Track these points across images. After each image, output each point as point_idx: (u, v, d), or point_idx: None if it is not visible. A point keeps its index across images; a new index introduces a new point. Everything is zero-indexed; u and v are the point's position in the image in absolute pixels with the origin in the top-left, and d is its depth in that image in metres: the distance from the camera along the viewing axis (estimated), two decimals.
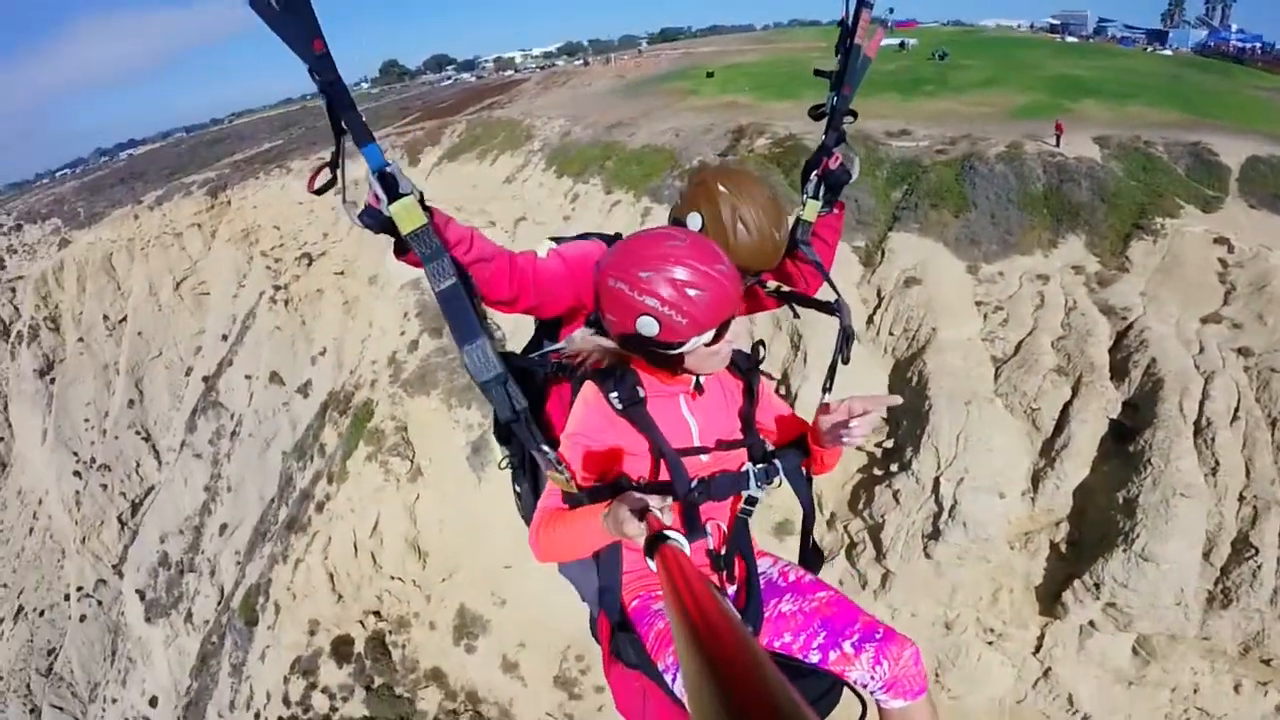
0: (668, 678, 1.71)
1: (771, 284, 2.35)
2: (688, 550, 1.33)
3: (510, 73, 73.22)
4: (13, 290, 53.65)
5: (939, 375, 15.55)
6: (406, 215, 1.52)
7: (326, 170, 1.54)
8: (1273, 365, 12.55)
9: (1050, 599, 13.54)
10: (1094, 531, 13.04)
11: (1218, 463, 12.29)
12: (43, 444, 40.68)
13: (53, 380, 42.52)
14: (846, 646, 1.72)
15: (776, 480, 1.96)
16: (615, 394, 1.75)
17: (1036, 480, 13.82)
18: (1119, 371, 13.93)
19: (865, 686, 1.70)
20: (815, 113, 2.34)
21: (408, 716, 17.80)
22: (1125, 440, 13.34)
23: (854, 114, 2.30)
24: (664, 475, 1.80)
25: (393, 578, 18.92)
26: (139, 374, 38.44)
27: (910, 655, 1.69)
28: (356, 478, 19.66)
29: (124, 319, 41.16)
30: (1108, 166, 18.01)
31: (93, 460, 37.91)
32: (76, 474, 38.10)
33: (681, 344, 1.63)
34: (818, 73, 2.28)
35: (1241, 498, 12.28)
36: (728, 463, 1.91)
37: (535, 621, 16.86)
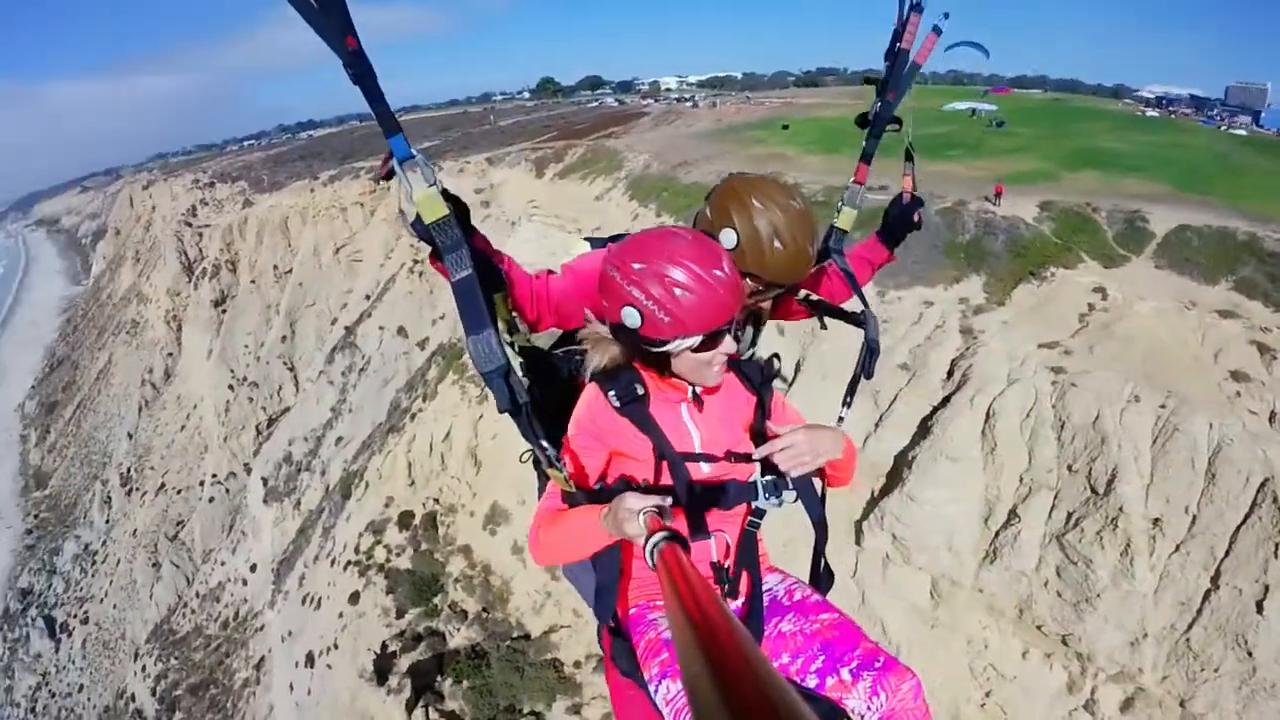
0: (651, 687, 1.83)
1: (802, 292, 2.51)
2: (689, 550, 1.43)
3: (648, 102, 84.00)
4: (200, 235, 70.57)
5: (815, 359, 22.14)
6: (429, 205, 1.68)
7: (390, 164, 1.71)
8: (1074, 382, 18.61)
9: (859, 532, 20.30)
10: (894, 482, 19.76)
11: (996, 444, 18.59)
12: (207, 359, 54.78)
13: (224, 311, 57.01)
14: (844, 673, 1.77)
15: (790, 496, 2.05)
16: (613, 392, 1.90)
17: (867, 442, 20.59)
18: (949, 373, 20.40)
19: (862, 717, 1.73)
20: (860, 120, 2.46)
21: (439, 573, 26.81)
22: (929, 419, 20.01)
23: (899, 121, 2.42)
24: (665, 479, 1.93)
25: (453, 476, 28.29)
26: (294, 316, 51.42)
27: (910, 688, 1.72)
28: (442, 397, 29.49)
29: (290, 271, 54.79)
30: (1035, 225, 23.85)
31: (245, 378, 51.10)
32: (230, 387, 51.42)
33: (664, 342, 1.76)
34: (867, 80, 2.41)
35: (1020, 479, 18.57)
36: (735, 474, 2.02)
37: None
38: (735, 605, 2.07)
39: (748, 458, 2.00)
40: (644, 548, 1.45)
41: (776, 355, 2.25)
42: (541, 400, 2.03)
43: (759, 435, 2.05)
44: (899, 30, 2.28)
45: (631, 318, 1.73)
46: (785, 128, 44.63)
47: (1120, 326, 19.80)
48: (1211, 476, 16.86)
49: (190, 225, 72.00)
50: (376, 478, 30.15)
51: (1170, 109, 59.21)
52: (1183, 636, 16.76)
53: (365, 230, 51.86)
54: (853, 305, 2.57)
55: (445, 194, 1.72)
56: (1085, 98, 74.74)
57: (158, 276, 70.04)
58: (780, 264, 2.13)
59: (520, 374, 1.90)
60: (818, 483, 2.14)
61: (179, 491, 50.43)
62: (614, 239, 2.26)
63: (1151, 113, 55.98)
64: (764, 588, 2.11)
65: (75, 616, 51.03)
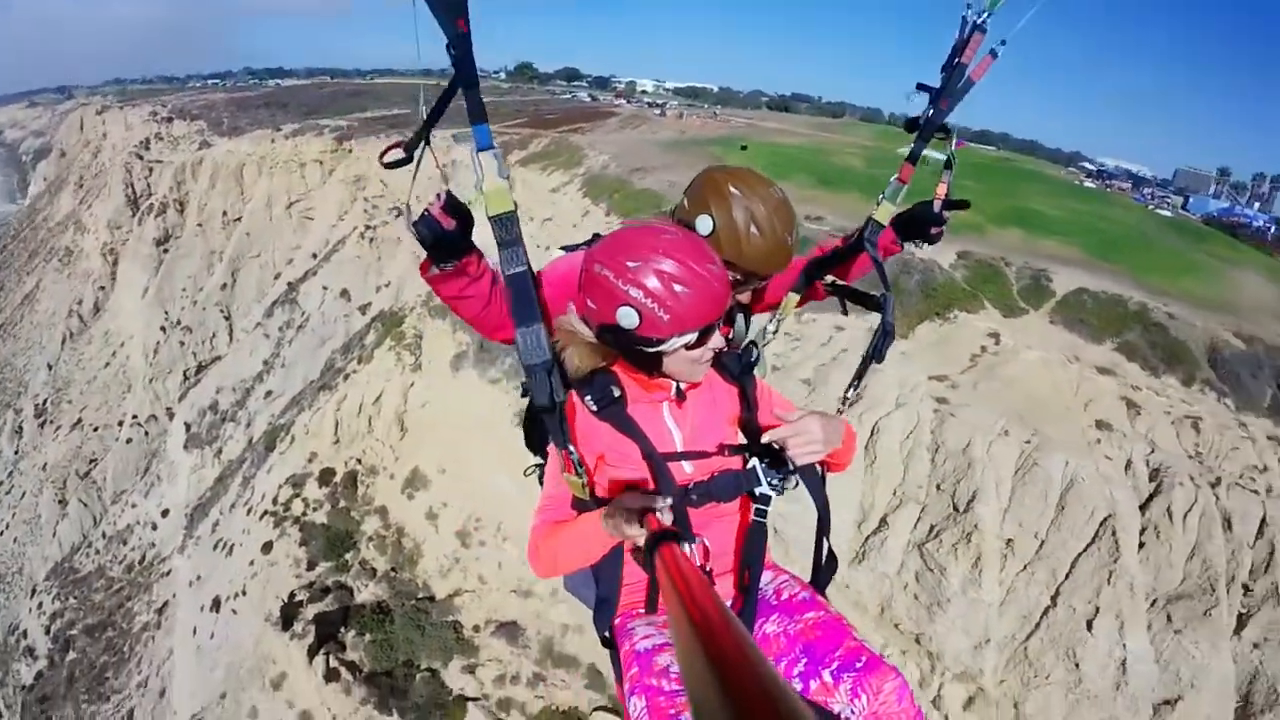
0: (627, 702, 1.80)
1: (829, 278, 2.65)
2: (689, 550, 1.45)
3: (620, 102, 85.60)
4: (150, 169, 69.41)
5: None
6: (497, 198, 1.74)
7: (397, 151, 1.79)
8: (953, 412, 20.71)
9: None
10: None
11: (876, 458, 20.64)
12: (142, 298, 54.14)
13: (165, 250, 56.44)
14: (826, 675, 1.72)
15: (792, 479, 2.03)
16: (589, 396, 1.90)
17: None
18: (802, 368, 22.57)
19: None
20: (910, 124, 2.55)
21: (353, 531, 27.76)
22: None
23: (947, 130, 2.51)
24: (650, 482, 1.92)
25: (377, 439, 29.25)
26: (237, 265, 51.31)
27: (893, 689, 1.67)
28: (377, 361, 30.41)
29: (239, 219, 54.61)
30: (950, 271, 26.04)
31: (179, 322, 50.78)
32: (162, 329, 51.02)
33: (661, 341, 1.74)
34: (920, 87, 2.47)
35: (894, 492, 20.62)
36: (728, 468, 2.02)
37: (462, 489, 26.65)
38: (729, 604, 2.00)
39: (739, 449, 2.02)
40: (644, 549, 1.47)
41: (754, 343, 2.32)
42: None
43: (746, 426, 2.08)
44: (960, 46, 2.36)
45: (629, 318, 1.71)
46: (744, 148, 45.30)
47: (1004, 369, 22.08)
48: (1061, 508, 19.20)
49: (141, 159, 70.62)
50: (303, 433, 30.91)
51: (1108, 183, 63.49)
52: (1021, 645, 18.99)
53: (321, 189, 52.05)
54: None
55: (450, 195, 1.80)
56: (1038, 161, 79.19)
57: (100, 206, 68.48)
58: (757, 254, 2.18)
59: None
60: (819, 466, 2.13)
61: (95, 429, 49.80)
62: (587, 244, 2.30)
63: (1089, 184, 60.16)
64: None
65: None
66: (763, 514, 2.04)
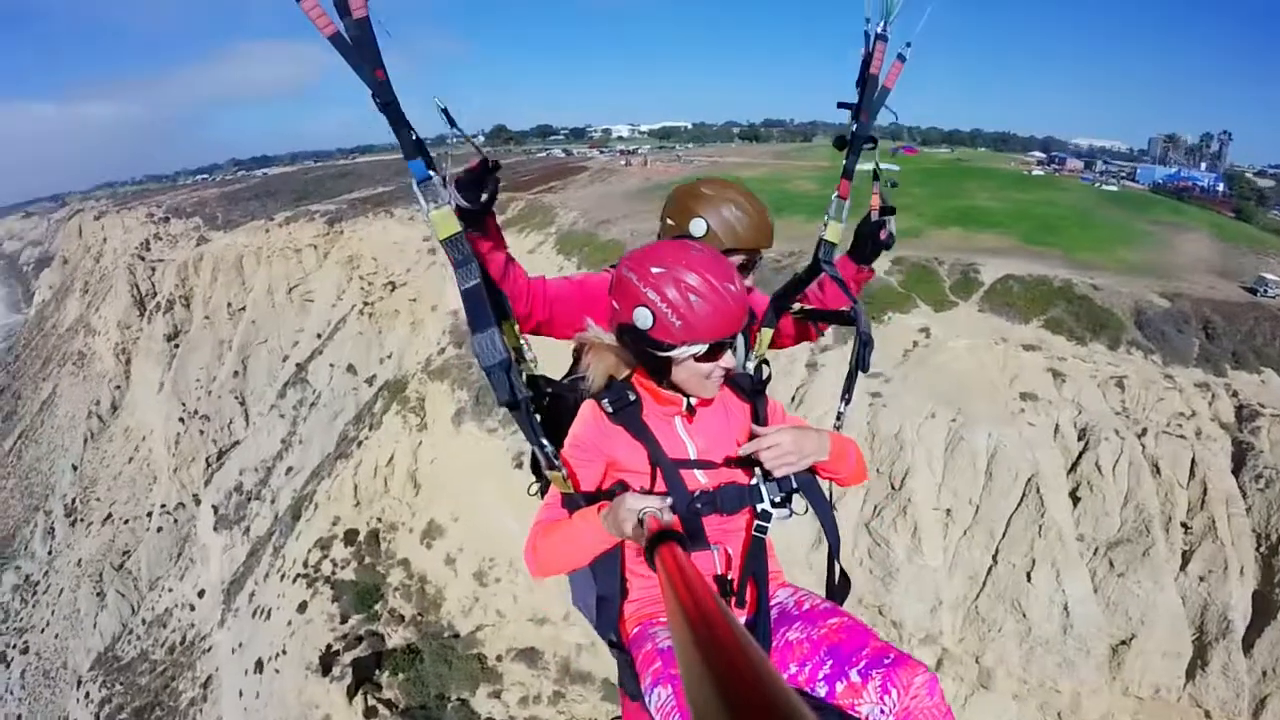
0: (646, 698, 1.85)
1: (796, 306, 2.74)
2: (688, 550, 1.47)
3: (593, 153, 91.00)
4: (153, 269, 73.95)
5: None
6: (443, 223, 1.87)
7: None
8: (885, 403, 23.52)
9: None
10: None
11: None
12: (158, 393, 58.05)
13: (177, 345, 60.47)
14: (853, 675, 1.75)
15: (799, 500, 2.13)
16: (606, 400, 2.01)
17: None
18: (793, 398, 25.05)
19: None
20: (839, 142, 2.63)
21: (379, 583, 31.01)
22: None
23: (874, 140, 2.60)
24: (661, 487, 1.99)
25: (394, 497, 32.66)
26: (246, 353, 55.24)
27: (924, 683, 1.70)
28: (385, 427, 33.98)
29: (243, 308, 58.69)
30: (886, 277, 28.69)
31: (196, 411, 54.55)
32: (181, 420, 54.77)
33: (671, 347, 1.84)
34: (840, 105, 2.57)
35: None
36: (735, 481, 2.08)
37: (474, 534, 29.93)
38: (743, 620, 2.05)
39: (745, 463, 2.07)
40: (644, 549, 1.54)
41: (765, 362, 2.45)
42: (547, 427, 2.07)
43: (751, 440, 2.10)
44: (867, 58, 2.44)
45: (644, 318, 1.82)
46: None
47: (933, 359, 25.39)
48: (989, 475, 22.45)
49: (144, 259, 75.31)
50: (325, 499, 34.36)
51: (1057, 168, 67.21)
52: (973, 604, 22.08)
53: (318, 271, 56.20)
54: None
55: (460, 208, 1.92)
56: (992, 154, 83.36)
57: (107, 309, 72.82)
58: (749, 230, 2.56)
59: (523, 376, 2.01)
60: (824, 484, 2.20)
61: (126, 522, 53.31)
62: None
63: (1038, 171, 63.57)
64: (774, 600, 2.14)
65: (14, 647, 53.05)
66: (762, 529, 2.09)
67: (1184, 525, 21.63)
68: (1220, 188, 57.48)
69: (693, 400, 2.04)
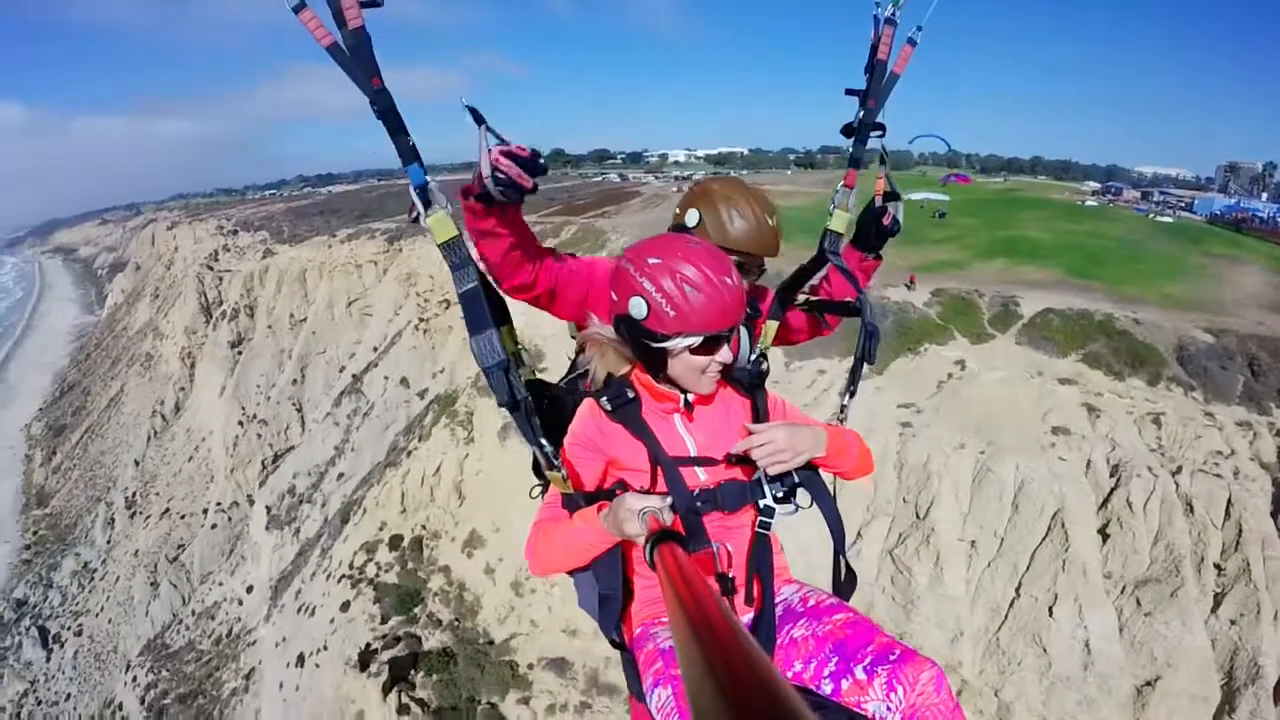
0: (648, 699, 1.86)
1: (801, 297, 2.76)
2: (688, 550, 1.51)
3: (648, 179, 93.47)
4: (220, 279, 77.95)
5: None
6: (440, 227, 1.92)
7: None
8: (915, 433, 24.08)
9: None
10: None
11: (848, 482, 24.41)
12: (220, 396, 61.13)
13: (240, 352, 63.69)
14: (859, 672, 1.76)
15: (803, 496, 2.17)
16: (605, 398, 2.05)
17: None
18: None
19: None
20: (846, 129, 2.60)
21: (420, 588, 32.48)
22: None
23: (882, 128, 2.57)
24: (662, 485, 2.03)
25: (439, 506, 34.26)
26: (305, 362, 58.00)
27: (930, 679, 1.72)
28: (434, 438, 35.75)
29: (304, 319, 61.61)
30: (924, 309, 29.43)
31: (255, 415, 57.33)
32: (240, 423, 57.58)
33: (665, 338, 1.89)
34: (849, 91, 2.55)
35: (866, 509, 23.86)
36: (736, 478, 2.12)
37: (513, 546, 31.28)
38: (749, 619, 2.08)
39: (744, 459, 2.08)
40: (643, 548, 1.58)
41: (764, 355, 2.48)
42: (547, 430, 2.06)
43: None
44: (875, 44, 2.43)
45: (638, 308, 1.87)
46: None
47: (966, 391, 25.94)
48: (1015, 507, 22.89)
49: (212, 269, 79.56)
50: (374, 505, 36.16)
51: (1111, 198, 66.37)
52: (993, 636, 22.42)
53: (377, 287, 58.84)
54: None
55: (491, 183, 1.90)
56: (1048, 183, 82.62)
57: (176, 314, 77.12)
58: (742, 234, 2.50)
59: (521, 377, 2.01)
60: (828, 479, 2.23)
61: (182, 517, 56.04)
62: None
63: (1091, 202, 62.67)
64: (779, 597, 2.15)
65: (69, 629, 55.83)
66: (766, 525, 2.11)
67: (1217, 566, 21.69)
68: None
69: (690, 397, 2.08)
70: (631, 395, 2.07)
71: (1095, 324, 28.49)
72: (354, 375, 52.66)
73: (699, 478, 2.08)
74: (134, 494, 61.70)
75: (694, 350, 1.93)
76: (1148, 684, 20.87)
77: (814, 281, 2.84)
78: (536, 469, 2.27)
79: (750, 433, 2.08)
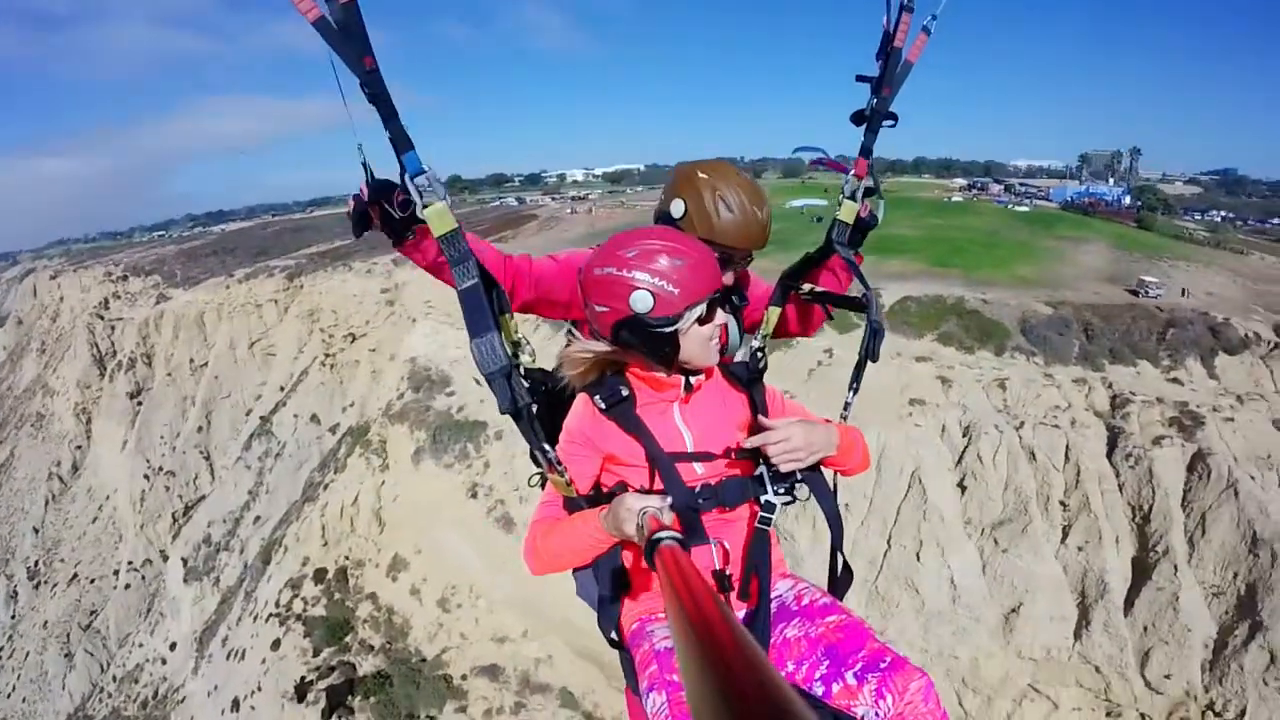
0: (643, 700, 1.87)
1: (806, 286, 2.69)
2: (688, 551, 1.50)
3: (544, 201, 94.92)
4: (112, 328, 75.41)
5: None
6: (439, 219, 1.83)
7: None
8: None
9: None
10: None
11: None
12: (122, 451, 59.38)
13: (140, 403, 61.91)
14: (849, 677, 1.76)
15: (803, 491, 2.16)
16: (598, 395, 2.03)
17: None
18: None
19: None
20: (856, 117, 2.51)
21: (349, 617, 33.13)
22: None
23: (894, 117, 2.47)
24: (660, 484, 2.01)
25: (360, 535, 34.94)
26: (210, 408, 56.98)
27: (919, 688, 1.72)
28: (350, 469, 36.38)
29: (205, 364, 60.35)
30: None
31: (161, 468, 55.99)
32: (146, 476, 56.14)
33: (677, 318, 1.88)
34: (860, 78, 2.45)
35: None
36: (736, 473, 2.11)
37: (436, 565, 32.34)
38: (744, 614, 2.09)
39: (746, 453, 2.08)
40: (644, 548, 1.54)
41: (761, 349, 2.39)
42: (547, 420, 2.07)
43: (756, 433, 2.09)
44: (891, 31, 2.33)
45: (643, 301, 1.83)
46: None
47: (833, 374, 28.57)
48: (879, 470, 25.66)
49: (103, 318, 76.51)
50: (294, 541, 36.52)
51: (976, 193, 72.60)
52: (873, 584, 25.12)
53: (279, 326, 58.37)
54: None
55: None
56: (920, 183, 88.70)
57: (66, 368, 73.81)
58: (729, 228, 2.36)
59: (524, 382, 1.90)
60: (828, 474, 2.25)
61: (92, 581, 54.23)
62: None
63: (957, 197, 68.85)
64: (774, 594, 2.15)
65: None
66: (766, 521, 2.09)
67: (1062, 503, 25.01)
68: (1126, 200, 62.85)
69: (692, 381, 2.07)
70: (626, 393, 2.05)
71: (948, 307, 32.05)
72: (261, 417, 52.24)
73: (696, 472, 2.08)
74: (36, 563, 59.20)
75: (700, 320, 1.96)
76: (1013, 610, 23.89)
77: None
78: (534, 458, 2.15)
79: (764, 428, 2.08)
